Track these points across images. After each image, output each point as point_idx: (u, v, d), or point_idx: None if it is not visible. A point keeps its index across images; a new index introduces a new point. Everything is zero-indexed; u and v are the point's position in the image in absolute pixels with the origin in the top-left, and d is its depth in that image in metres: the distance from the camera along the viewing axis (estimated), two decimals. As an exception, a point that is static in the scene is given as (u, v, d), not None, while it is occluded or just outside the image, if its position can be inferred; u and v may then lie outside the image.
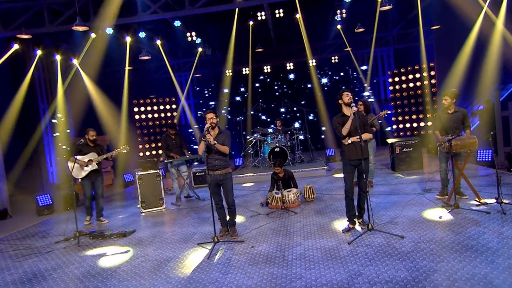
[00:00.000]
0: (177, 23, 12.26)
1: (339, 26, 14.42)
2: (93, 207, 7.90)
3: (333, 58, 17.18)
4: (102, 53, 12.45)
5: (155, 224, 7.25)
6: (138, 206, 8.46)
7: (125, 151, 7.76)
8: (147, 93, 16.80)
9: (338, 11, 13.27)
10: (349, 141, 5.56)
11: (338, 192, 8.24)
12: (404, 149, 9.96)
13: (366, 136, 5.61)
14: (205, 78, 18.23)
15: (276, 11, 13.74)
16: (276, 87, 18.18)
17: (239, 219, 6.96)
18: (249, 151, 13.35)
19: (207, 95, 18.45)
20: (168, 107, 16.98)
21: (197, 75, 17.64)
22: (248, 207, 7.86)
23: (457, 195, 6.57)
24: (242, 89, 18.14)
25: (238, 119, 14.69)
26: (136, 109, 16.42)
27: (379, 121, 8.52)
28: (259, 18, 13.95)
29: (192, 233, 6.38)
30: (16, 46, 10.74)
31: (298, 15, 14.23)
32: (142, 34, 12.52)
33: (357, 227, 5.71)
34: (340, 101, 5.68)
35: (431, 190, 7.52)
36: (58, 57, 12.43)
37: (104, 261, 5.43)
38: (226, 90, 17.81)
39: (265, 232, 5.96)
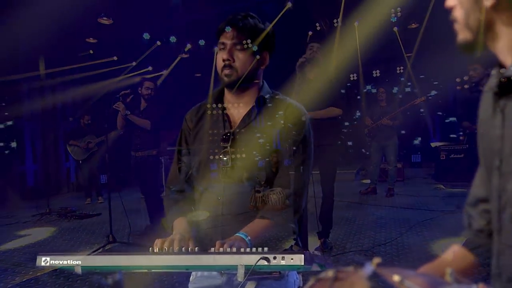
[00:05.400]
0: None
1: (395, 29, 10.90)
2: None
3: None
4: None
5: (127, 211, 5.38)
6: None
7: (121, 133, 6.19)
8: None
9: (393, 10, 9.88)
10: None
11: (344, 199, 5.26)
12: (452, 155, 6.31)
13: (326, 112, 2.92)
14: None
15: (335, 21, 11.03)
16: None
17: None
18: None
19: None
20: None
21: None
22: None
23: None
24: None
25: None
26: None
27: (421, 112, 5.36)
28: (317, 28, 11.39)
29: (125, 226, 4.30)
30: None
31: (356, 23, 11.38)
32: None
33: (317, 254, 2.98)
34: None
35: (471, 208, 4.11)
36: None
37: (10, 243, 3.78)
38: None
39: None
